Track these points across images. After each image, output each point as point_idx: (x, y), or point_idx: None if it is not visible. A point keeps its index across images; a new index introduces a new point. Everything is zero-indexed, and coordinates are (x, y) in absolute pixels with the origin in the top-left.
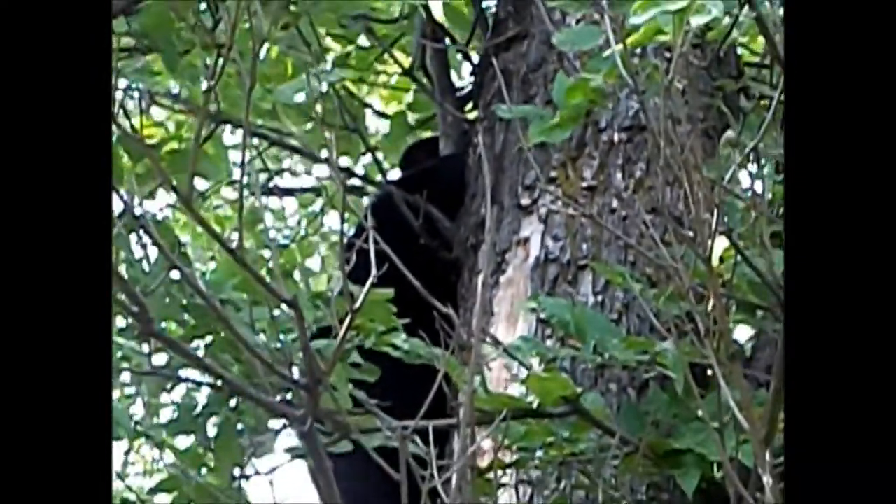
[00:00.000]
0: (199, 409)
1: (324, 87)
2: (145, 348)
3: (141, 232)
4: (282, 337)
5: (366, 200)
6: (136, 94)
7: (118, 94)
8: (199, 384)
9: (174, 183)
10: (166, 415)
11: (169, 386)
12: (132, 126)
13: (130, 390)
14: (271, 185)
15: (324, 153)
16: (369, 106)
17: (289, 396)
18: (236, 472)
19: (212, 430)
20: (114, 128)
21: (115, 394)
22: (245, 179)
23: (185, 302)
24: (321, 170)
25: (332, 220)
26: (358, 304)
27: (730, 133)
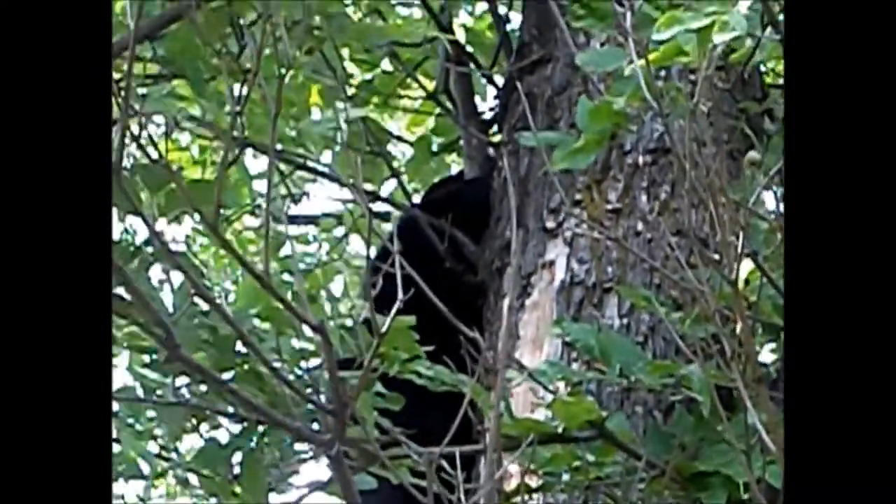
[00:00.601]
0: (224, 440)
1: (348, 120)
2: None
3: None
4: (305, 365)
5: (389, 227)
6: (160, 120)
7: (141, 120)
8: (226, 414)
9: (200, 209)
10: (189, 442)
11: (194, 420)
12: (158, 151)
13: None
14: (294, 213)
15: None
16: (390, 134)
17: (315, 427)
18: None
19: (237, 466)
20: (138, 154)
21: (138, 426)
22: (269, 205)
23: (207, 337)
24: (344, 193)
25: (355, 244)
26: (384, 331)
27: (754, 154)
